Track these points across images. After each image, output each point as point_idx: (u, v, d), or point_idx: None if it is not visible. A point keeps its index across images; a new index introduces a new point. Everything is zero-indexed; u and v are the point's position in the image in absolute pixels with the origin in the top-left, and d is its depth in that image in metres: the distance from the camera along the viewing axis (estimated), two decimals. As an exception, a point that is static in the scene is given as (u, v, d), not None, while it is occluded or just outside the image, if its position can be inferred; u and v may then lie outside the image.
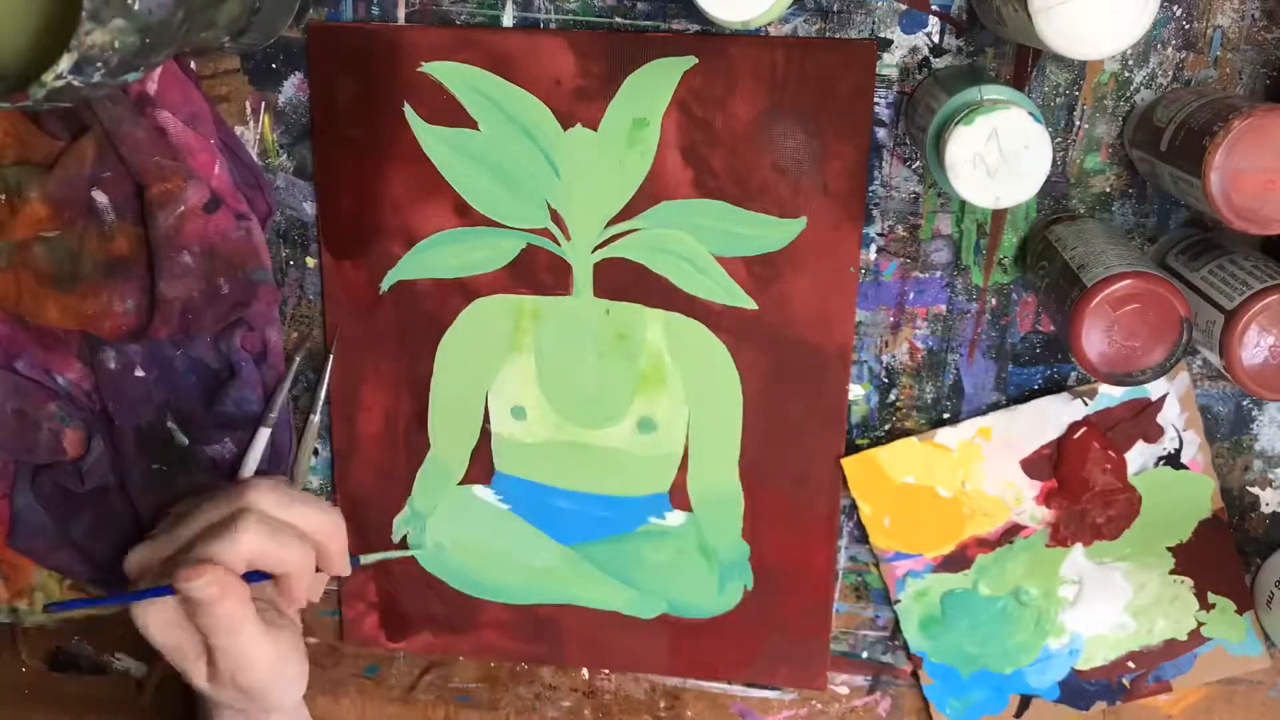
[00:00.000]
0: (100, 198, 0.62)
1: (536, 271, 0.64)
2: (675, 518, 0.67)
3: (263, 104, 0.64)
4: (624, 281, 0.64)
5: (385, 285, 0.65)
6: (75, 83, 0.44)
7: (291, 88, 0.63)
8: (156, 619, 0.59)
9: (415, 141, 0.62)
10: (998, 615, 0.66)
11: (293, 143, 0.64)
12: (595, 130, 0.61)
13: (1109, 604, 0.66)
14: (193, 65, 0.63)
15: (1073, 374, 0.63)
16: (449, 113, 0.62)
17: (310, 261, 0.66)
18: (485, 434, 0.67)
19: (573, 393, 0.66)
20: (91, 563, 0.70)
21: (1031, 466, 0.64)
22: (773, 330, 0.63)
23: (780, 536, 0.67)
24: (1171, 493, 0.64)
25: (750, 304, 0.63)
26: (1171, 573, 0.65)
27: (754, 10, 0.49)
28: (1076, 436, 0.63)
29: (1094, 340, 0.51)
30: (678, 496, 0.67)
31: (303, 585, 0.61)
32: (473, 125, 0.62)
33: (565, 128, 0.61)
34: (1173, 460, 0.63)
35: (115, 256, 0.63)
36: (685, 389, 0.65)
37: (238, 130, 0.64)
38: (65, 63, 0.43)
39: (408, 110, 0.62)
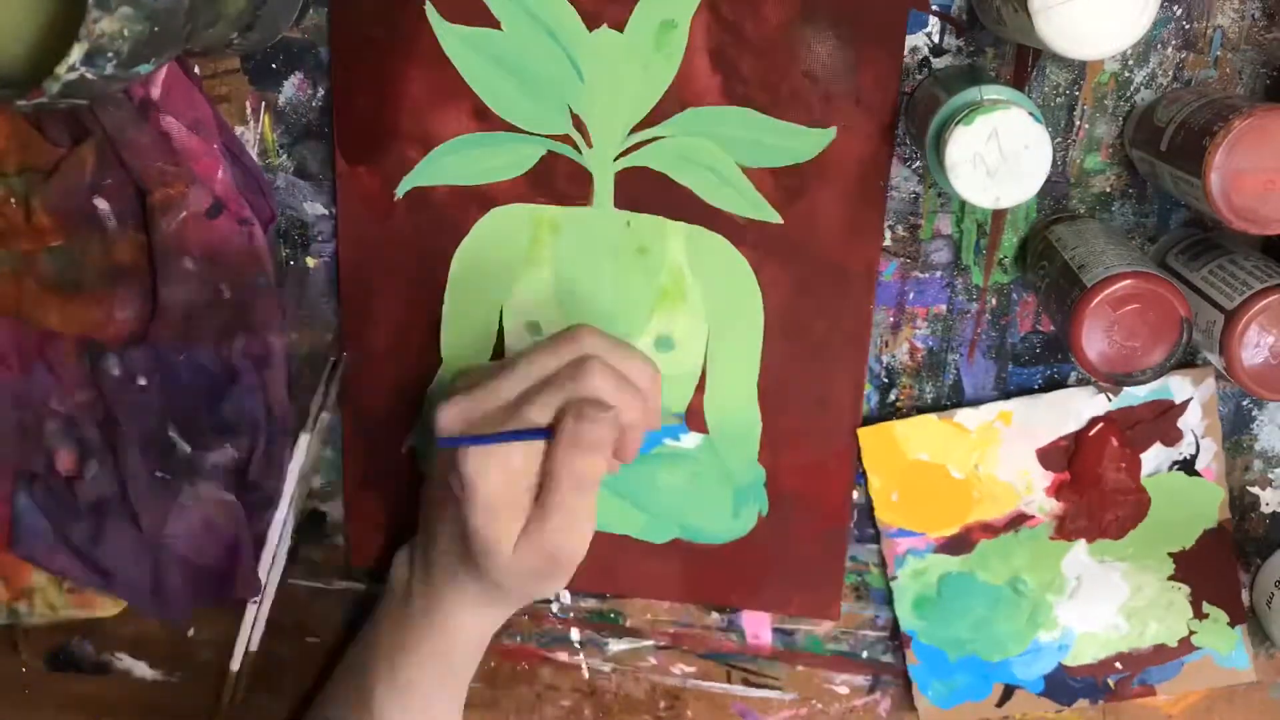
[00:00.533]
0: (102, 205, 0.62)
1: (556, 180, 0.62)
2: (691, 440, 0.66)
3: (263, 104, 0.64)
4: (646, 192, 0.62)
5: (400, 191, 0.63)
6: (89, 74, 0.44)
7: (291, 88, 0.63)
8: (499, 468, 0.54)
9: (435, 41, 0.60)
10: (993, 603, 0.66)
11: (293, 143, 0.64)
12: (621, 31, 0.59)
13: (1105, 603, 0.66)
14: (196, 70, 0.63)
15: (1073, 374, 0.63)
16: (471, 10, 0.60)
17: (311, 262, 0.66)
18: (500, 350, 0.66)
19: (590, 308, 0.64)
20: (91, 567, 0.70)
21: (1047, 457, 0.64)
22: (797, 246, 0.62)
23: (798, 461, 0.66)
24: (1181, 498, 0.64)
25: (775, 218, 0.62)
26: (1170, 578, 0.65)
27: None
28: (1095, 431, 0.63)
29: (1094, 340, 0.51)
30: (694, 418, 0.65)
31: (639, 439, 0.57)
32: (495, 24, 0.60)
33: (590, 28, 0.59)
34: (1187, 466, 0.63)
35: (118, 264, 0.63)
36: (705, 306, 0.63)
37: (237, 130, 0.64)
38: (77, 53, 0.43)
39: (429, 8, 0.60)
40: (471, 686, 0.73)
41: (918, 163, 0.61)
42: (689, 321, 0.64)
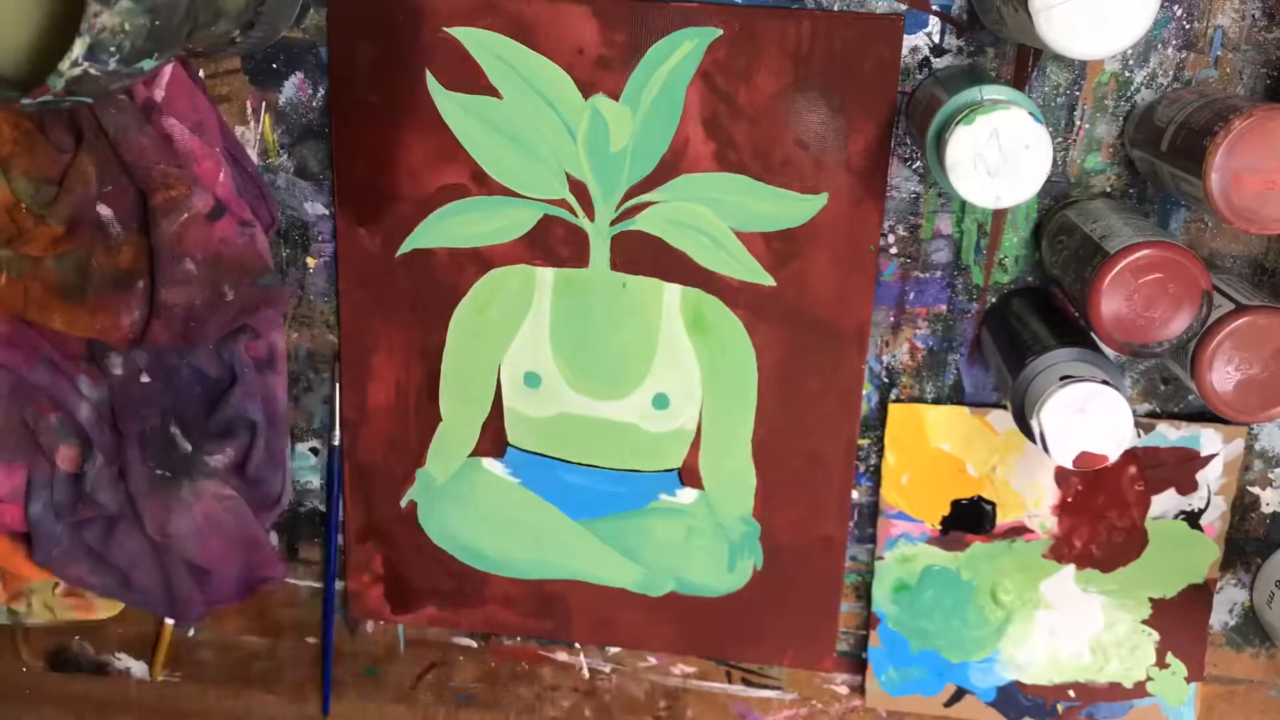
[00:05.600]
0: (105, 211, 0.62)
1: (554, 243, 0.64)
2: (686, 495, 0.67)
3: (263, 104, 0.64)
4: (642, 255, 0.63)
5: (400, 253, 0.65)
6: (93, 70, 0.44)
7: (292, 88, 0.63)
8: None
9: (434, 107, 0.62)
10: (969, 605, 0.67)
11: (293, 143, 0.64)
12: (617, 100, 0.61)
13: (1076, 631, 0.66)
14: (201, 73, 0.63)
15: (1073, 374, 0.63)
16: (469, 79, 0.61)
17: (311, 261, 0.66)
18: (498, 407, 0.67)
19: (587, 367, 0.65)
20: (107, 572, 0.69)
21: (1062, 475, 0.64)
22: (790, 307, 0.63)
23: (792, 516, 0.67)
24: (1177, 548, 0.64)
25: (768, 280, 0.63)
26: (1144, 622, 0.66)
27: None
28: (1115, 463, 0.63)
29: (1113, 308, 0.51)
30: (689, 474, 0.67)
31: None
32: (493, 92, 0.61)
33: (586, 96, 0.61)
34: (1192, 518, 0.64)
35: (122, 269, 0.63)
36: (700, 365, 0.65)
37: (238, 130, 0.64)
38: (79, 48, 0.43)
39: (428, 76, 0.61)
40: (471, 686, 0.74)
41: (918, 163, 0.61)
42: (684, 380, 0.65)
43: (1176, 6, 0.57)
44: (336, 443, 0.69)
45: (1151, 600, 0.65)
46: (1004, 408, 0.63)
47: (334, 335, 0.67)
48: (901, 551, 0.66)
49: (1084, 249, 0.53)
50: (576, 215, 0.63)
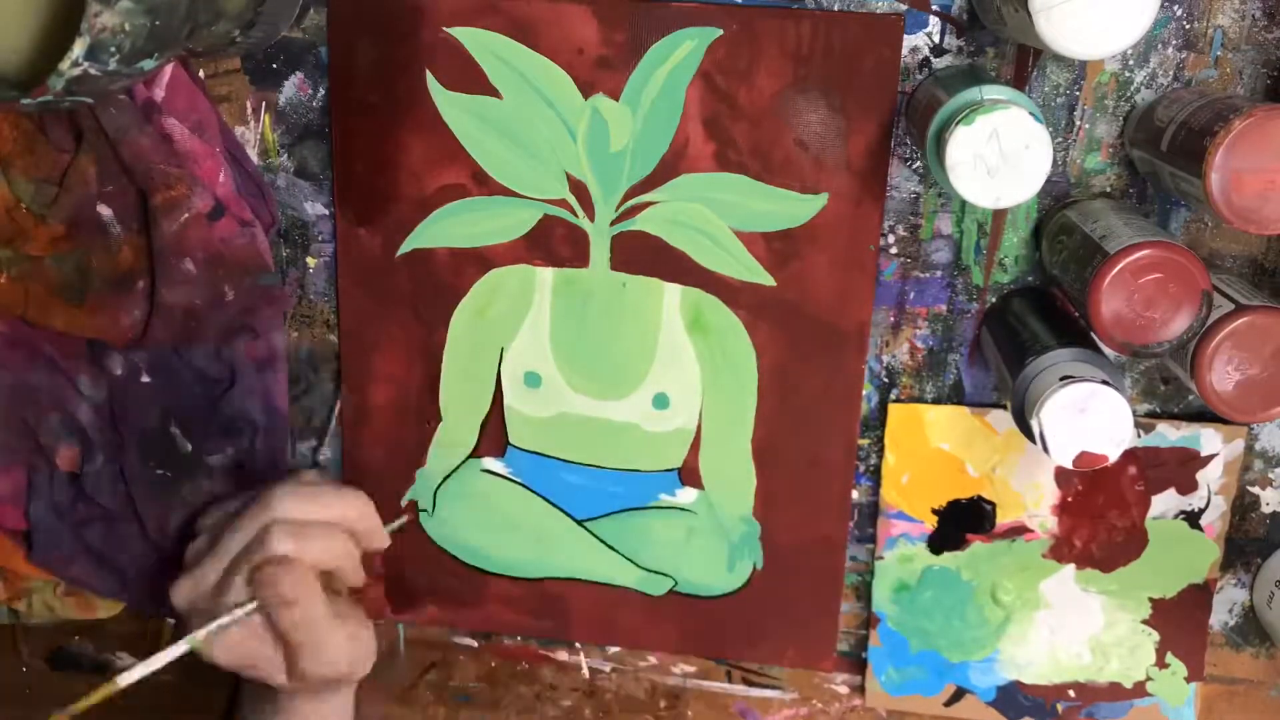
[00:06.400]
0: (105, 211, 0.62)
1: (554, 243, 0.64)
2: (686, 494, 0.67)
3: (263, 104, 0.64)
4: (642, 255, 0.63)
5: (400, 253, 0.65)
6: (93, 70, 0.44)
7: (292, 88, 0.63)
8: (224, 644, 0.60)
9: (434, 107, 0.62)
10: (969, 605, 0.67)
11: (293, 143, 0.64)
12: (617, 100, 0.61)
13: (1076, 630, 0.66)
14: (201, 73, 0.63)
15: (1073, 374, 0.63)
16: (469, 79, 0.62)
17: (311, 261, 0.66)
18: (498, 406, 0.67)
19: (587, 366, 0.66)
20: (108, 572, 0.69)
21: (1062, 475, 0.64)
22: (790, 307, 0.63)
23: (792, 515, 0.67)
24: (1177, 548, 0.64)
25: (768, 280, 0.63)
26: (1144, 622, 0.66)
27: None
28: (1115, 463, 0.63)
29: (1113, 308, 0.51)
30: (689, 473, 0.67)
31: (350, 571, 0.62)
32: (493, 92, 0.62)
33: (586, 96, 0.61)
34: (1192, 518, 0.63)
35: (122, 270, 0.63)
36: (700, 365, 0.65)
37: (238, 130, 0.64)
38: (79, 48, 0.43)
39: (428, 76, 0.62)
40: (471, 686, 0.74)
41: (918, 163, 0.61)
42: (685, 380, 0.65)
43: (1176, 6, 0.57)
44: (321, 459, 0.69)
45: (1151, 600, 0.65)
46: (1004, 408, 0.63)
47: (334, 335, 0.68)
48: (901, 551, 0.66)
49: (1084, 249, 0.53)
50: (576, 215, 0.63)
